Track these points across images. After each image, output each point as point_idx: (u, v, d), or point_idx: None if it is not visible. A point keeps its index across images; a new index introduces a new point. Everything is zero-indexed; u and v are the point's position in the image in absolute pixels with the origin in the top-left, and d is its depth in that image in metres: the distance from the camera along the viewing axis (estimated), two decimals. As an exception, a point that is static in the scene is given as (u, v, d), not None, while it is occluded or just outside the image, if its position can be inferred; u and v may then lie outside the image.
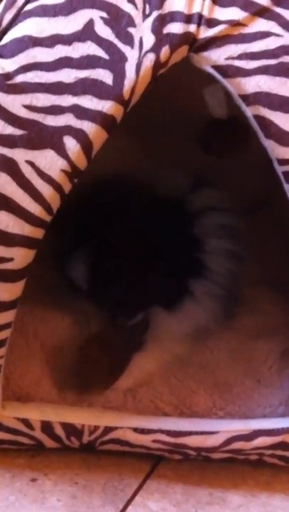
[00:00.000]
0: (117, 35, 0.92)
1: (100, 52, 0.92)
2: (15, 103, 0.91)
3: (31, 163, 0.91)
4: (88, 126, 0.91)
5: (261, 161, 0.99)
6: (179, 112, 1.22)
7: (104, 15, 0.93)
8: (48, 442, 1.08)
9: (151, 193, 1.18)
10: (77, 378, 1.11)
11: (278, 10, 0.94)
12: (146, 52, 0.92)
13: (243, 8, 0.94)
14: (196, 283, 1.19)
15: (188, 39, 0.93)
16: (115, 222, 1.15)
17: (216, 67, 0.93)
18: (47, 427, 1.06)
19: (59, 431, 1.06)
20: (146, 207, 1.17)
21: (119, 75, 0.91)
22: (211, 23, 0.93)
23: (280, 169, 0.95)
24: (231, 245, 1.20)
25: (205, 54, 0.93)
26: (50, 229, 0.95)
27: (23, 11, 0.94)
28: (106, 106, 0.91)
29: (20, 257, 0.94)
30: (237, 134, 1.22)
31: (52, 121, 0.91)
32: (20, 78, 0.91)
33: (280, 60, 0.93)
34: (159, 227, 1.16)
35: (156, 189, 1.19)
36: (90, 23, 0.93)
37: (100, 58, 0.92)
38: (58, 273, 1.18)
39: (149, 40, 0.92)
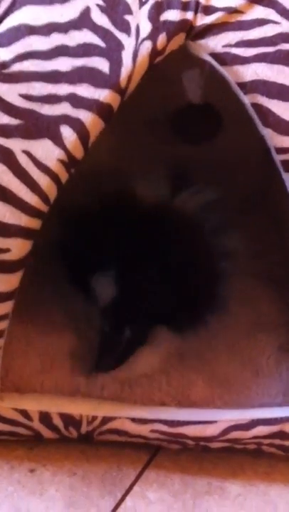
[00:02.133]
0: (114, 23, 0.92)
1: (97, 40, 0.91)
2: (11, 92, 0.90)
3: (28, 153, 0.91)
4: (85, 115, 0.91)
5: (256, 155, 0.99)
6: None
7: (101, 2, 0.92)
8: (47, 433, 1.08)
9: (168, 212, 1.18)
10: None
11: (276, -4, 0.94)
12: (143, 39, 0.91)
13: (241, -5, 0.94)
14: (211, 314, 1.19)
15: (185, 26, 0.92)
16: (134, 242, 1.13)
17: (214, 55, 0.93)
18: (45, 417, 1.06)
19: (57, 421, 1.06)
20: (162, 223, 1.15)
21: (116, 63, 0.91)
22: (208, 10, 0.93)
23: (278, 158, 0.94)
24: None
25: (202, 42, 0.93)
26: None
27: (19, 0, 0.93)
28: (102, 94, 0.90)
29: (17, 247, 0.93)
30: (211, 120, 1.23)
31: (48, 110, 0.91)
32: (16, 67, 0.90)
33: (278, 47, 0.93)
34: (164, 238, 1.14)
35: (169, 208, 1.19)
36: (86, 11, 0.92)
37: (96, 46, 0.91)
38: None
39: (146, 28, 0.92)
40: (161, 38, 0.92)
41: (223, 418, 1.07)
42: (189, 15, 0.92)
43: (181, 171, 1.23)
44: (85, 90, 0.90)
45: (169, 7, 0.92)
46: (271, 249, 1.32)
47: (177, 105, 1.25)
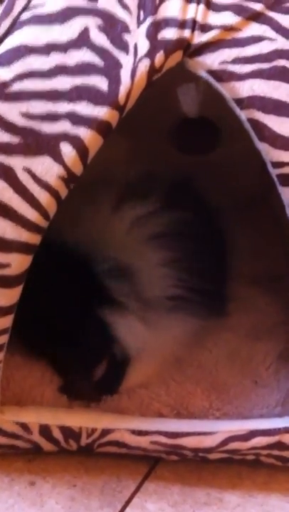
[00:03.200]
0: (112, 42, 0.93)
1: (95, 59, 0.92)
2: (12, 111, 0.91)
3: (28, 170, 0.92)
4: (84, 132, 0.91)
5: (255, 161, 0.99)
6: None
7: (100, 22, 0.93)
8: (46, 445, 1.08)
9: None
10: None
11: (271, 14, 0.95)
12: (141, 57, 0.92)
13: (237, 12, 0.94)
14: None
15: (183, 44, 0.93)
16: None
17: (211, 72, 0.94)
18: (45, 430, 1.06)
19: (57, 434, 1.07)
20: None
21: (115, 80, 0.92)
22: (205, 28, 0.94)
23: (273, 172, 0.95)
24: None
25: (199, 59, 0.94)
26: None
27: (18, 20, 0.94)
28: (101, 112, 0.91)
29: (17, 262, 0.94)
30: (207, 133, 1.24)
31: (48, 128, 0.91)
32: (16, 86, 0.91)
33: (274, 63, 0.94)
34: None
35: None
36: (85, 31, 0.93)
37: (95, 65, 0.92)
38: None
39: (144, 46, 0.93)
40: (159, 56, 0.92)
41: (221, 429, 1.08)
42: (186, 33, 0.93)
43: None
44: (84, 108, 0.91)
45: (167, 25, 0.93)
46: (272, 251, 1.33)
47: (174, 118, 1.25)
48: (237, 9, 0.95)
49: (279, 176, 0.95)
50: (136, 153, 1.24)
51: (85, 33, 0.93)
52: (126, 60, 0.92)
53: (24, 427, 1.06)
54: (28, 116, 0.91)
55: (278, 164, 0.95)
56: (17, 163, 0.91)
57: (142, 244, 1.15)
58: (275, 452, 1.08)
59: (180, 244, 1.16)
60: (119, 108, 0.92)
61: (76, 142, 0.92)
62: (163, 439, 1.07)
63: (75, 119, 0.91)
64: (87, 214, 1.15)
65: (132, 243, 1.14)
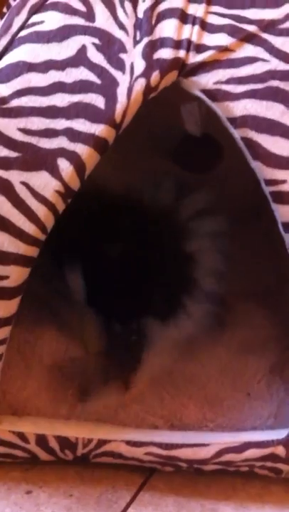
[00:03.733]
0: (109, 61, 0.95)
1: (93, 77, 0.94)
2: (10, 126, 0.93)
3: (26, 184, 0.94)
4: (81, 149, 0.94)
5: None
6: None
7: (97, 41, 0.96)
8: (43, 455, 1.09)
9: (139, 205, 1.20)
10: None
11: (265, 36, 0.97)
12: (137, 77, 0.94)
13: (231, 34, 0.97)
14: (188, 297, 1.21)
15: (178, 64, 0.95)
16: (108, 234, 1.16)
17: (205, 92, 0.96)
18: (42, 440, 1.07)
19: (53, 444, 1.08)
20: (137, 218, 1.18)
21: (111, 99, 0.94)
22: (200, 48, 0.96)
23: (267, 189, 0.97)
24: (220, 250, 1.22)
25: (194, 78, 0.96)
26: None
27: (17, 37, 0.96)
28: (98, 129, 0.94)
29: (15, 274, 0.96)
30: (210, 151, 1.25)
31: (46, 143, 0.94)
32: (15, 102, 0.94)
33: (267, 84, 0.96)
34: (151, 240, 1.17)
35: (142, 200, 1.21)
36: (82, 49, 0.95)
37: (92, 83, 0.94)
38: (53, 284, 1.19)
39: (140, 66, 0.95)
40: (155, 76, 0.95)
41: (215, 441, 1.09)
42: (182, 53, 0.96)
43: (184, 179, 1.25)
44: (81, 125, 0.94)
45: (162, 45, 0.96)
46: (264, 265, 1.35)
47: (177, 134, 1.27)
48: (231, 30, 0.97)
49: (272, 193, 0.97)
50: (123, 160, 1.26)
51: (82, 52, 0.95)
52: (122, 79, 0.94)
53: (21, 436, 1.07)
54: (26, 131, 0.93)
55: (271, 182, 0.97)
56: (15, 177, 0.94)
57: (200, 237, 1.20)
58: (269, 464, 1.08)
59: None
60: (115, 126, 0.94)
61: (73, 158, 0.94)
62: (158, 451, 1.08)
63: (73, 135, 0.94)
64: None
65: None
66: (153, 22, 0.97)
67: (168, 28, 0.96)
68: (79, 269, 1.16)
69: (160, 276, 1.18)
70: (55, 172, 0.94)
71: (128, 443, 1.08)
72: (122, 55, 0.95)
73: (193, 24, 0.97)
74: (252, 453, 1.08)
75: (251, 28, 0.97)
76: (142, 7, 0.98)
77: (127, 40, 0.96)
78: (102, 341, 1.18)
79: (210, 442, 1.09)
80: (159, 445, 1.08)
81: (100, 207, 1.18)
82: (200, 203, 1.23)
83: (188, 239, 1.21)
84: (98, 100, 0.94)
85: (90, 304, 1.18)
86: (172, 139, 1.29)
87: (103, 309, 1.18)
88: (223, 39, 0.96)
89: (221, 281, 1.22)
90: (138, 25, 0.97)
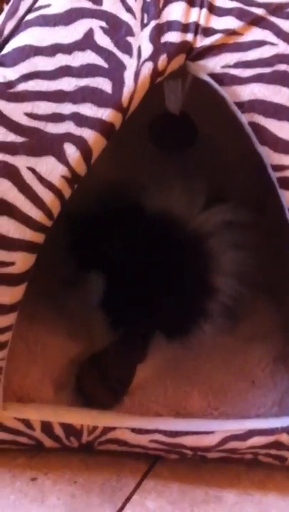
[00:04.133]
0: (116, 44, 0.94)
1: (100, 61, 0.94)
2: (16, 111, 0.93)
3: (32, 170, 0.93)
4: (88, 134, 0.93)
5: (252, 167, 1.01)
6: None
7: (104, 24, 0.95)
8: (48, 442, 1.09)
9: (162, 214, 1.19)
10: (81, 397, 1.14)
11: (273, 19, 0.96)
12: (145, 60, 0.94)
13: (239, 17, 0.96)
14: (207, 303, 1.20)
15: (185, 48, 0.95)
16: (129, 241, 1.16)
17: (213, 75, 0.95)
18: (47, 427, 1.07)
19: (58, 431, 1.08)
20: (157, 225, 1.17)
21: (118, 83, 0.93)
22: (208, 32, 0.95)
23: (274, 175, 0.96)
24: (242, 261, 1.21)
25: (201, 62, 0.95)
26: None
27: (24, 21, 0.96)
28: (105, 113, 0.93)
29: (21, 261, 0.95)
30: (186, 130, 1.24)
31: (53, 128, 0.93)
32: (21, 86, 0.93)
33: (275, 68, 0.95)
34: (169, 247, 1.16)
35: (167, 209, 1.19)
36: (89, 33, 0.94)
37: (99, 67, 0.93)
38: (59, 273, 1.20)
39: (147, 49, 0.94)
40: (162, 59, 0.94)
41: (220, 428, 1.09)
42: (189, 36, 0.95)
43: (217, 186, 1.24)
44: (88, 109, 0.93)
45: (170, 29, 0.95)
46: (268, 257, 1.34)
47: (154, 112, 1.26)
48: (239, 14, 0.96)
49: (279, 179, 0.97)
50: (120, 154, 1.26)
51: (89, 35, 0.94)
52: (129, 63, 0.94)
53: (26, 423, 1.07)
54: (32, 116, 0.93)
55: (278, 167, 0.96)
56: (21, 162, 0.93)
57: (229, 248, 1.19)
58: (273, 451, 1.09)
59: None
60: (122, 110, 0.93)
61: (80, 143, 0.93)
62: (162, 438, 1.08)
63: (79, 120, 0.93)
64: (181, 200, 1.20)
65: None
66: (160, 5, 0.96)
67: (175, 11, 0.96)
68: (103, 274, 1.17)
69: (175, 285, 1.17)
70: (61, 157, 0.93)
71: (133, 430, 1.08)
72: (130, 39, 0.94)
73: (201, 7, 0.96)
74: (256, 440, 1.08)
75: (259, 12, 0.96)
76: (149, -10, 0.98)
77: (134, 24, 0.95)
78: (109, 339, 1.18)
79: (214, 430, 1.09)
80: (164, 432, 1.08)
81: (124, 216, 1.18)
82: (224, 215, 1.22)
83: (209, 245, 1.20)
84: (105, 84, 0.93)
85: (103, 307, 1.19)
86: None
87: (115, 313, 1.19)
88: (231, 22, 0.96)
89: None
90: (145, 8, 0.96)
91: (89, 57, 0.94)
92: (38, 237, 0.95)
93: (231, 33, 0.96)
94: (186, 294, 1.17)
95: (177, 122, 1.22)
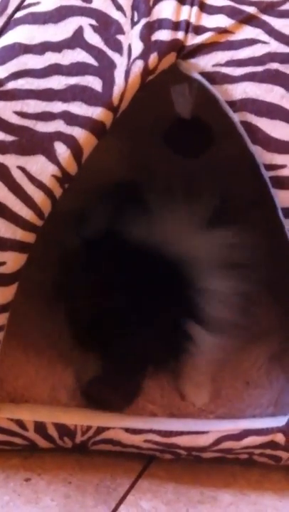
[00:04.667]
0: (106, 43, 0.94)
1: (90, 59, 0.93)
2: (6, 109, 0.92)
3: (22, 169, 0.93)
4: (78, 132, 0.93)
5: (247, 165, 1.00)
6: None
7: (94, 22, 0.94)
8: (42, 442, 1.09)
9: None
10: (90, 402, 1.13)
11: (265, 17, 0.96)
12: (135, 59, 0.93)
13: (230, 15, 0.95)
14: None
15: (176, 46, 0.94)
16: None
17: (204, 74, 0.94)
18: (40, 427, 1.07)
19: (52, 431, 1.07)
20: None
21: (109, 81, 0.93)
22: (199, 30, 0.95)
23: (266, 174, 0.96)
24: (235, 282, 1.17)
25: (193, 61, 0.95)
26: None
27: (13, 19, 0.95)
28: (95, 112, 0.93)
29: (12, 261, 0.95)
30: (200, 134, 1.24)
31: (42, 127, 0.93)
32: (11, 85, 0.93)
33: (267, 66, 0.94)
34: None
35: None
36: (79, 31, 0.94)
37: (89, 65, 0.93)
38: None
39: (138, 47, 0.94)
40: (153, 58, 0.94)
41: (215, 428, 1.09)
42: (180, 35, 0.94)
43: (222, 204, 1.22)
44: (78, 108, 0.92)
45: (160, 27, 0.94)
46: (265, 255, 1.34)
47: (168, 118, 1.26)
48: (230, 12, 0.95)
49: (271, 178, 0.96)
50: (129, 155, 1.25)
51: (79, 33, 0.94)
52: (120, 61, 0.93)
53: (20, 423, 1.07)
54: (22, 115, 0.92)
55: (271, 167, 0.96)
56: (11, 161, 0.92)
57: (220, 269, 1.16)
58: (268, 451, 1.09)
59: (249, 275, 1.18)
60: (113, 109, 0.93)
61: (70, 142, 0.93)
62: (157, 438, 1.08)
63: (70, 118, 0.92)
64: (179, 225, 1.16)
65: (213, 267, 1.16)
66: (151, 3, 0.95)
67: (166, 9, 0.95)
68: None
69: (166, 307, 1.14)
70: (51, 156, 0.93)
71: (127, 430, 1.08)
72: (120, 37, 0.94)
73: (192, 5, 0.96)
74: (251, 440, 1.08)
75: (251, 10, 0.96)
76: (139, -13, 0.97)
77: (124, 22, 0.95)
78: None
79: (209, 430, 1.09)
80: (158, 432, 1.08)
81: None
82: (221, 239, 1.18)
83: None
84: (95, 83, 0.93)
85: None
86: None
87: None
88: (222, 20, 0.95)
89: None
90: (135, 6, 0.95)
91: (79, 55, 0.93)
92: (29, 237, 0.95)
93: (223, 31, 0.95)
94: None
95: (192, 126, 1.22)
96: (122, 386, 1.14)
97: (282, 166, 0.95)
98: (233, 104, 0.95)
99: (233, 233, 1.17)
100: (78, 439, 1.08)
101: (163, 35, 0.94)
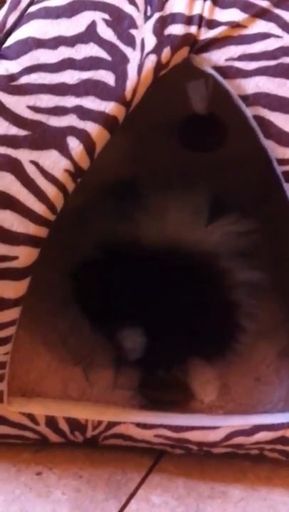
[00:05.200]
0: (119, 37, 0.94)
1: (103, 54, 0.93)
2: (19, 104, 0.92)
3: (35, 163, 0.93)
4: (91, 127, 0.93)
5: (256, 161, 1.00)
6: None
7: (107, 17, 0.94)
8: (53, 437, 1.09)
9: (164, 243, 1.14)
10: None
11: (278, 11, 0.96)
12: (148, 53, 0.93)
13: (243, 9, 0.95)
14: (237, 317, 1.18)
15: (189, 40, 0.94)
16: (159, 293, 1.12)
17: (217, 68, 0.94)
18: (51, 421, 1.08)
19: (63, 425, 1.08)
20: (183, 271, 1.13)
21: (121, 76, 0.93)
22: (212, 24, 0.95)
23: (279, 169, 0.96)
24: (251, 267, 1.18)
25: (205, 55, 0.95)
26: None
27: (26, 13, 0.95)
28: (108, 107, 0.92)
29: (24, 255, 0.95)
30: (215, 130, 1.24)
31: (55, 121, 0.92)
32: (24, 79, 0.93)
33: (280, 61, 0.94)
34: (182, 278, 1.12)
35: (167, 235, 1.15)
36: (92, 25, 0.94)
37: (102, 60, 0.93)
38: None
39: (151, 42, 0.94)
40: (166, 52, 0.93)
41: (225, 424, 1.09)
42: (193, 29, 0.94)
43: (220, 196, 1.22)
44: (91, 102, 0.92)
45: (173, 21, 0.94)
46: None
47: (182, 114, 1.26)
48: (243, 6, 0.95)
49: (284, 173, 0.96)
50: (133, 153, 1.25)
51: (92, 28, 0.94)
52: (133, 56, 0.93)
53: (31, 417, 1.07)
54: (35, 109, 0.92)
55: (284, 161, 0.95)
56: (24, 156, 0.92)
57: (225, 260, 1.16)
58: (279, 447, 1.09)
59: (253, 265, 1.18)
60: (125, 103, 0.93)
61: (83, 136, 0.93)
62: (167, 433, 1.08)
63: (82, 113, 0.92)
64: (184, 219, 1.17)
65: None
66: (164, -3, 0.96)
67: (179, 3, 0.95)
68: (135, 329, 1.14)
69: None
70: (64, 151, 0.93)
71: (138, 425, 1.08)
72: (133, 31, 0.94)
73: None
74: (262, 436, 1.08)
75: (264, 4, 0.96)
76: (153, -19, 0.97)
77: (137, 16, 0.95)
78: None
79: (220, 425, 1.09)
80: (169, 427, 1.08)
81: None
82: (227, 227, 1.19)
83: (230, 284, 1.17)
84: (108, 77, 0.93)
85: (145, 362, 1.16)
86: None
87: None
88: (235, 15, 0.95)
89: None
90: (148, 0, 0.96)
91: (92, 49, 0.93)
92: (41, 231, 0.94)
93: (235, 25, 0.95)
94: (216, 317, 1.14)
95: (205, 123, 1.22)
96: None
97: (296, 161, 0.95)
98: (245, 98, 0.94)
99: (236, 220, 1.19)
100: (89, 433, 1.09)
101: (176, 29, 0.94)
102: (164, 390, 1.13)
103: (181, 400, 1.13)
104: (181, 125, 1.28)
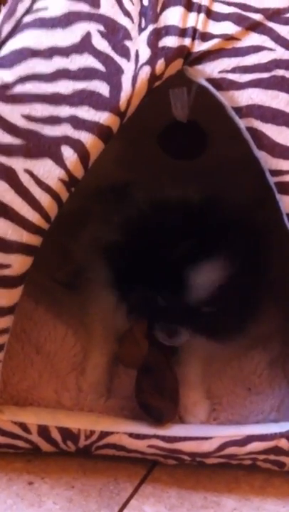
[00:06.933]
0: (114, 48, 0.95)
1: (97, 65, 0.94)
2: (14, 113, 0.93)
3: (30, 172, 0.93)
4: (85, 137, 0.93)
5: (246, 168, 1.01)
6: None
7: (101, 28, 0.95)
8: (45, 446, 1.09)
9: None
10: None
11: (271, 24, 0.97)
12: (142, 64, 0.94)
13: (237, 22, 0.96)
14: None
15: (183, 52, 0.95)
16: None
17: (210, 80, 0.95)
18: (44, 431, 1.07)
19: (55, 435, 1.07)
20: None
21: (116, 86, 0.94)
22: (205, 37, 0.96)
23: (272, 180, 0.97)
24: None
25: (199, 67, 0.96)
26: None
27: (21, 23, 0.96)
28: (103, 117, 0.93)
29: (18, 263, 0.95)
30: (195, 137, 1.24)
31: (50, 131, 0.93)
32: (18, 89, 0.93)
33: (272, 73, 0.95)
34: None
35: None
36: (87, 36, 0.95)
37: (96, 70, 0.94)
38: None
39: (145, 53, 0.94)
40: (160, 64, 0.94)
41: (218, 434, 1.09)
42: (187, 41, 0.95)
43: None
44: (85, 113, 0.93)
45: (168, 33, 0.95)
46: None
47: (164, 121, 1.26)
48: (237, 19, 0.96)
49: (277, 184, 0.97)
50: (126, 156, 1.25)
51: (87, 39, 0.95)
52: (127, 67, 0.94)
53: (23, 426, 1.07)
54: (29, 118, 0.93)
55: (276, 172, 0.96)
56: (18, 164, 0.93)
57: None
58: (272, 457, 1.08)
59: None
60: (120, 114, 0.94)
61: (77, 146, 0.94)
62: (160, 443, 1.08)
63: (77, 123, 0.93)
64: None
65: None
66: (158, 9, 0.96)
67: (173, 16, 0.96)
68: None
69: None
70: (59, 160, 0.93)
71: (131, 435, 1.08)
72: (127, 43, 0.95)
73: (199, 12, 0.96)
74: (255, 446, 1.08)
75: (257, 17, 0.97)
76: (147, -6, 0.98)
77: (132, 28, 0.96)
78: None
79: (213, 435, 1.09)
80: (162, 438, 1.08)
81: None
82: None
83: None
84: (103, 88, 0.94)
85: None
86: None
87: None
88: (228, 27, 0.96)
89: None
90: (143, 12, 0.96)
91: (86, 60, 0.94)
92: (35, 240, 0.95)
93: (229, 38, 0.96)
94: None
95: (187, 130, 1.23)
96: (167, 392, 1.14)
97: (288, 172, 0.96)
98: (239, 110, 0.95)
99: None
100: (82, 443, 1.08)
101: (170, 41, 0.95)
102: (158, 397, 1.13)
103: (171, 409, 1.13)
104: (162, 132, 1.28)
